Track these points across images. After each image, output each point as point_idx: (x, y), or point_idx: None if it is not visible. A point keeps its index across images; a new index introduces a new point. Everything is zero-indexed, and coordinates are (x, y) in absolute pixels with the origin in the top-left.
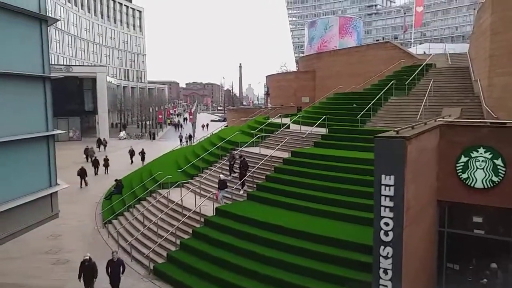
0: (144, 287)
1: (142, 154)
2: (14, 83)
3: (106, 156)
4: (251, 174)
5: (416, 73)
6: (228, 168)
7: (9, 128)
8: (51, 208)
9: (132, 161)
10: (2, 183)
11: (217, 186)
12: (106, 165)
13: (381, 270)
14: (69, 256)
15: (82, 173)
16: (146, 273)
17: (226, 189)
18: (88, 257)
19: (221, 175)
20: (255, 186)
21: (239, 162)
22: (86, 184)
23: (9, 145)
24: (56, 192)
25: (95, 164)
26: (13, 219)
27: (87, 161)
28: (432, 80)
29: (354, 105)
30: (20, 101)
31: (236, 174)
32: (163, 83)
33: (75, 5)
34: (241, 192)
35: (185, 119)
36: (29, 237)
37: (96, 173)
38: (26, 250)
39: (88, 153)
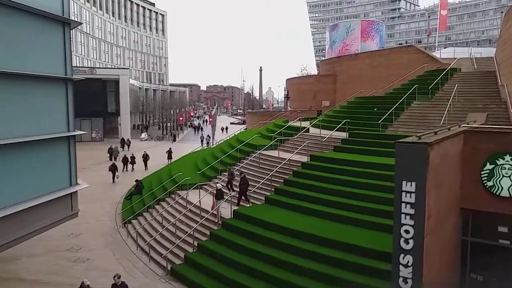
0: (161, 287)
1: (169, 153)
2: (37, 84)
3: (133, 154)
4: (269, 178)
5: (440, 77)
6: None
7: (31, 129)
8: (71, 207)
9: (146, 167)
10: (24, 182)
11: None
12: (133, 162)
13: (400, 279)
14: (89, 254)
15: (113, 169)
16: (164, 273)
17: (222, 200)
18: (87, 284)
19: (218, 184)
20: (273, 189)
21: (239, 179)
22: (117, 177)
23: (31, 145)
24: (76, 191)
25: (124, 161)
26: (34, 217)
27: (110, 160)
28: (456, 85)
29: (375, 109)
30: (42, 102)
31: (235, 192)
32: (185, 85)
33: (100, 9)
34: (236, 208)
35: (205, 121)
36: (51, 235)
37: (124, 170)
38: (48, 248)
39: (112, 152)
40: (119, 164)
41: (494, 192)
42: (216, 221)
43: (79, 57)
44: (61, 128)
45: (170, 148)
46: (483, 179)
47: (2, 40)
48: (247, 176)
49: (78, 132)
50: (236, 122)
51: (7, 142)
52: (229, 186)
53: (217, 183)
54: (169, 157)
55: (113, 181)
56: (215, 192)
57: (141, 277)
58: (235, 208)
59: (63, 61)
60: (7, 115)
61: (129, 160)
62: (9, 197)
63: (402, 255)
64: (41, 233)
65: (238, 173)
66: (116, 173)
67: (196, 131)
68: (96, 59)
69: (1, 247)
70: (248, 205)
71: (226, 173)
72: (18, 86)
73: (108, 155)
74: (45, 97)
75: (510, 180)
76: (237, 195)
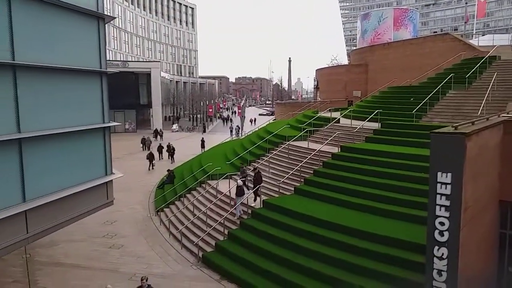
0: (193, 274)
1: (202, 142)
2: (74, 78)
3: (169, 143)
4: (299, 168)
5: (477, 65)
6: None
7: (70, 120)
8: (106, 195)
9: (172, 160)
10: (64, 171)
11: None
12: (169, 151)
13: (435, 271)
14: (123, 241)
15: (150, 157)
16: (195, 260)
17: (242, 197)
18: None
19: (239, 181)
20: (302, 180)
21: (253, 174)
22: (153, 167)
23: (69, 136)
24: (112, 180)
25: (160, 150)
26: (73, 204)
27: (143, 150)
28: (495, 73)
29: (412, 99)
30: (79, 95)
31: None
32: (214, 78)
33: (131, 3)
34: (253, 204)
35: (234, 112)
36: (87, 222)
37: (160, 158)
38: (85, 234)
39: (145, 142)
40: (156, 154)
41: None
42: (235, 218)
43: (112, 51)
44: (97, 119)
45: (202, 138)
46: None
47: (41, 36)
48: (266, 171)
49: (112, 123)
50: (265, 113)
51: (48, 133)
52: (245, 184)
53: (237, 179)
54: (202, 146)
55: (149, 169)
56: (236, 189)
57: (174, 264)
58: (264, 198)
59: (98, 55)
60: (47, 107)
61: (165, 148)
62: (50, 185)
63: (436, 247)
64: (78, 220)
65: (253, 168)
66: (153, 161)
67: (225, 123)
68: (128, 52)
69: (42, 233)
70: (253, 204)
71: (239, 172)
72: (57, 80)
73: (141, 145)
74: (81, 89)
75: None
76: (253, 192)
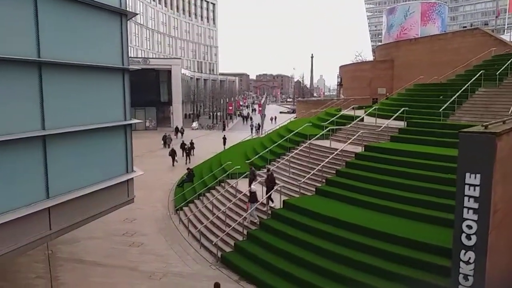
0: (211, 274)
1: (224, 139)
2: (96, 74)
3: (192, 140)
4: (320, 168)
5: (509, 62)
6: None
7: (92, 117)
8: (127, 193)
9: (188, 159)
10: (86, 169)
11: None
12: (191, 148)
13: (461, 276)
14: (142, 239)
15: (173, 154)
16: (214, 260)
17: (255, 203)
18: None
19: (252, 186)
20: (324, 180)
21: (266, 176)
22: (176, 162)
23: (92, 133)
24: (132, 178)
25: (182, 147)
26: (94, 202)
27: (164, 147)
28: None
29: (441, 97)
30: (101, 92)
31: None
32: (234, 75)
33: (153, 0)
34: (266, 209)
35: (254, 110)
36: (107, 219)
37: (183, 155)
38: (106, 232)
39: (166, 139)
40: (178, 150)
41: None
42: (254, 221)
43: (133, 47)
44: (118, 116)
45: (224, 135)
46: None
47: (66, 33)
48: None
49: (134, 121)
50: (286, 111)
51: (72, 130)
52: (250, 186)
53: (251, 185)
54: (224, 143)
55: (173, 165)
56: (248, 194)
57: (193, 263)
58: (285, 198)
59: (121, 52)
60: (71, 104)
61: (189, 145)
62: (73, 182)
63: (463, 251)
64: (100, 217)
65: (266, 170)
66: (175, 158)
67: (245, 121)
68: (150, 49)
69: (64, 230)
70: (273, 205)
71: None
72: (80, 77)
73: (163, 142)
74: (104, 86)
75: None
76: (266, 194)
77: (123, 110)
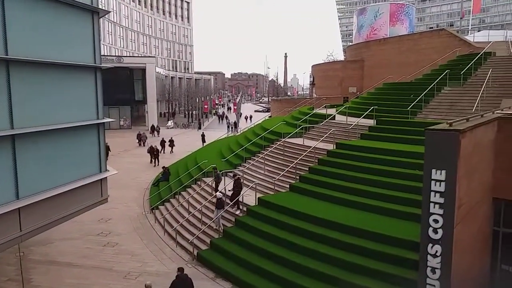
0: (188, 272)
1: (203, 137)
2: (68, 73)
3: (171, 138)
4: (294, 165)
5: (473, 62)
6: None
7: (64, 116)
8: (101, 192)
9: (155, 161)
10: (58, 168)
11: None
12: (172, 145)
13: (428, 269)
14: (118, 239)
15: (151, 151)
16: (190, 258)
17: (222, 209)
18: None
19: (218, 193)
20: (297, 177)
21: (233, 181)
22: (157, 162)
23: (63, 132)
24: (106, 178)
25: (162, 144)
26: (67, 202)
27: (140, 145)
28: (490, 70)
29: (412, 95)
30: (72, 91)
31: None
32: (209, 73)
33: None
34: (238, 212)
35: (229, 108)
36: (82, 219)
37: (163, 152)
38: (80, 232)
39: (141, 138)
40: (143, 151)
41: None
42: (218, 228)
43: (106, 46)
44: (91, 115)
45: (203, 133)
46: None
47: (35, 31)
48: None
49: (107, 120)
50: (261, 109)
51: (42, 129)
52: (216, 189)
53: (217, 191)
54: (203, 141)
55: (151, 162)
56: (214, 201)
57: (169, 262)
58: (260, 195)
59: (93, 50)
60: (41, 103)
61: (169, 143)
62: (44, 182)
63: (430, 244)
64: (73, 217)
65: (232, 175)
66: (158, 155)
67: (221, 120)
68: (123, 47)
69: (35, 231)
70: (239, 213)
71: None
72: (51, 75)
73: (137, 140)
74: (75, 85)
75: None
76: (230, 199)
77: (96, 109)
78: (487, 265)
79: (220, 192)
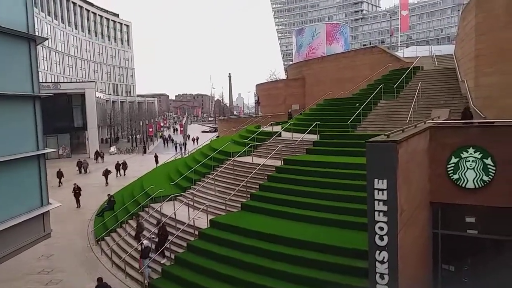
0: None
1: (156, 157)
2: (4, 103)
3: (124, 161)
4: (245, 184)
5: (404, 76)
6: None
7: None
8: (43, 227)
9: (107, 183)
10: None
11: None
12: (125, 168)
13: (377, 275)
14: (61, 275)
15: (106, 174)
16: None
17: (148, 259)
18: None
19: (144, 241)
20: (248, 196)
21: (157, 228)
22: (106, 183)
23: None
24: (48, 211)
25: (117, 167)
26: (7, 239)
27: (80, 173)
28: (420, 83)
29: (357, 104)
30: (9, 121)
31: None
32: (153, 96)
33: (62, 22)
34: (164, 261)
35: (175, 130)
36: (20, 258)
37: (106, 184)
38: (18, 272)
39: (81, 165)
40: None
41: (460, 184)
42: (144, 282)
43: (42, 72)
44: (30, 147)
45: (156, 154)
46: (449, 172)
47: None
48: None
49: (48, 150)
50: (208, 130)
51: None
52: (139, 239)
53: (144, 239)
54: (156, 162)
55: (106, 185)
56: (140, 250)
57: None
58: (211, 217)
59: (30, 78)
60: None
61: (121, 165)
62: None
63: (377, 251)
64: (13, 256)
65: (156, 223)
66: (108, 177)
67: (166, 143)
68: (60, 73)
69: None
70: (165, 261)
71: (135, 224)
72: None
73: (77, 168)
74: (13, 115)
75: (475, 172)
76: (156, 247)
77: (35, 140)
78: (429, 265)
79: (146, 240)
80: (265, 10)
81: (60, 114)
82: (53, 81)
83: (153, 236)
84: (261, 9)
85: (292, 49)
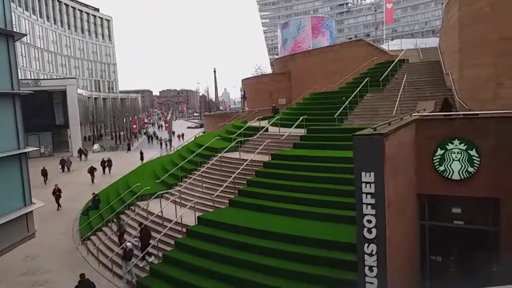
0: None
1: (141, 154)
2: None
3: (109, 158)
4: (232, 180)
5: (389, 69)
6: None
7: None
8: (27, 228)
9: (93, 181)
10: None
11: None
12: (110, 165)
13: (366, 268)
14: (47, 276)
15: (91, 171)
16: None
17: (131, 261)
18: None
19: (128, 243)
20: (236, 192)
21: (139, 229)
22: (92, 182)
23: None
24: (32, 211)
25: (102, 165)
26: None
27: (63, 171)
28: (405, 75)
29: (343, 98)
30: None
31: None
32: (136, 92)
33: (41, 17)
34: (143, 264)
35: (160, 126)
36: (3, 259)
37: (92, 182)
38: (2, 274)
39: (64, 163)
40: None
41: (446, 176)
42: (132, 280)
43: (21, 69)
44: (11, 145)
45: (141, 150)
46: (435, 164)
47: None
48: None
49: (29, 149)
50: (193, 126)
51: None
52: (120, 241)
53: (127, 241)
54: (142, 159)
55: (92, 182)
56: (123, 252)
57: None
58: (199, 214)
59: (9, 76)
60: None
61: (107, 163)
62: None
63: (366, 244)
64: None
65: (138, 225)
66: (94, 174)
67: (151, 140)
68: (40, 70)
69: None
70: (151, 259)
71: (116, 225)
72: None
73: (60, 166)
74: None
75: (460, 163)
76: (141, 250)
77: (16, 138)
78: (417, 257)
79: (130, 242)
80: (250, 3)
81: (41, 112)
82: (32, 78)
83: (136, 239)
84: (246, 2)
85: (277, 43)
